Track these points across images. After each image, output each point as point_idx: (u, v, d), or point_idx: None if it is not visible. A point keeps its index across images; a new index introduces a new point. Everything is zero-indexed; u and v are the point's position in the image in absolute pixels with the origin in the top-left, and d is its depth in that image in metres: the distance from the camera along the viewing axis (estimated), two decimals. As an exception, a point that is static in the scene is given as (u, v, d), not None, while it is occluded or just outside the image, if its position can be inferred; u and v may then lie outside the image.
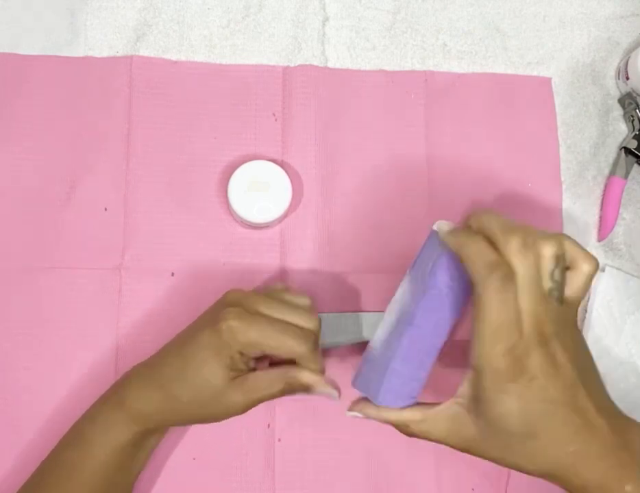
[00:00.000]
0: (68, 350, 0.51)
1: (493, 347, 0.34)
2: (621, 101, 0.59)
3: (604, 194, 0.58)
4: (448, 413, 0.37)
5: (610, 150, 0.59)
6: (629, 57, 0.58)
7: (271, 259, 0.54)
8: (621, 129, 0.59)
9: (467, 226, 0.39)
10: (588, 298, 0.55)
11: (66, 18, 0.57)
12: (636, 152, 0.57)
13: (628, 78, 0.58)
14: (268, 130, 0.56)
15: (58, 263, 0.52)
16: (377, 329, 0.43)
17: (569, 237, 0.38)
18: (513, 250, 0.35)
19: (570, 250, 0.37)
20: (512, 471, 0.52)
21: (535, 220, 0.56)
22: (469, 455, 0.38)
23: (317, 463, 0.51)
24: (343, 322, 0.53)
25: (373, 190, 0.56)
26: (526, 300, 0.34)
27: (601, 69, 0.60)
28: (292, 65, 0.57)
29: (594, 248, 0.57)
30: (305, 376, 0.42)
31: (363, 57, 0.59)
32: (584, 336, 0.54)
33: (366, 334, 0.53)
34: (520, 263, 0.34)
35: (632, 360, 0.54)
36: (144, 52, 0.57)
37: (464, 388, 0.37)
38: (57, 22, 0.57)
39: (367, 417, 0.41)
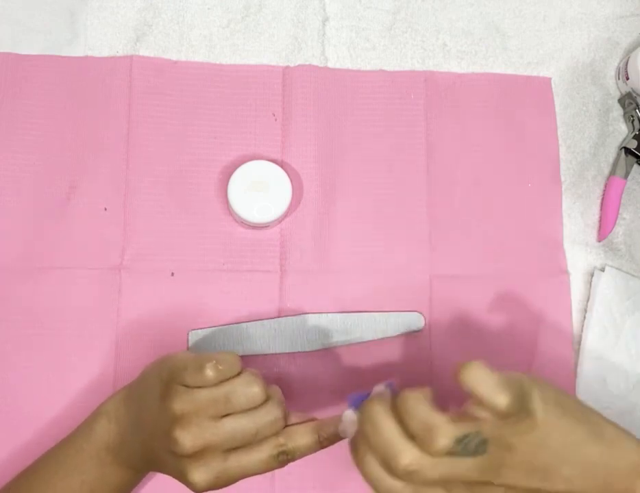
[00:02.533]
0: (68, 350, 0.51)
1: None
2: (621, 101, 0.59)
3: (604, 194, 0.58)
4: None
5: (610, 150, 0.59)
6: (629, 57, 0.58)
7: (270, 259, 0.54)
8: (621, 129, 0.59)
9: (361, 435, 0.37)
10: (588, 298, 0.55)
11: (66, 18, 0.57)
12: (636, 152, 0.57)
13: (627, 78, 0.58)
14: (268, 130, 0.56)
15: (58, 263, 0.52)
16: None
17: (475, 370, 0.36)
18: (403, 475, 0.35)
19: (475, 387, 0.36)
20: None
21: (535, 220, 0.57)
22: None
23: (317, 463, 0.51)
24: (343, 322, 0.53)
25: (372, 190, 0.56)
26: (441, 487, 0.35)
27: (601, 69, 0.60)
28: (292, 65, 0.57)
29: (594, 248, 0.57)
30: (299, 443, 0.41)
31: (363, 57, 0.59)
32: (585, 336, 0.54)
33: (366, 334, 0.53)
34: (419, 481, 0.35)
35: (632, 360, 0.54)
36: (144, 52, 0.57)
37: None
38: (57, 22, 0.57)
39: None
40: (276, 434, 0.40)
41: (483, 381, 0.36)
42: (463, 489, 0.35)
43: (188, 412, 0.38)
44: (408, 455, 0.34)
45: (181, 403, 0.38)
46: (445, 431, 0.34)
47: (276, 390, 0.42)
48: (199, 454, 0.38)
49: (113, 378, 0.51)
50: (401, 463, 0.34)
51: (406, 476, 0.35)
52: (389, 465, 0.35)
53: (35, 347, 0.51)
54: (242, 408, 0.39)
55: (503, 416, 0.35)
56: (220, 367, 0.39)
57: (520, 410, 0.35)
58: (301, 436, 0.40)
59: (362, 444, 0.37)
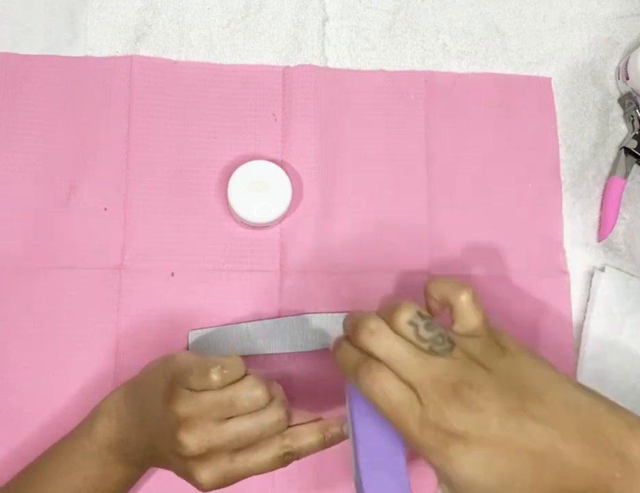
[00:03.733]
0: (68, 350, 0.51)
1: (407, 428, 0.33)
2: (621, 101, 0.59)
3: (604, 194, 0.58)
4: None
5: (610, 150, 0.59)
6: (629, 57, 0.58)
7: (270, 259, 0.54)
8: (621, 129, 0.59)
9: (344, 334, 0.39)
10: (588, 298, 0.55)
11: (66, 18, 0.57)
12: (636, 152, 0.57)
13: (627, 78, 0.58)
14: (268, 130, 0.56)
15: (58, 263, 0.52)
16: None
17: (436, 281, 0.39)
18: (364, 341, 0.35)
19: (441, 289, 0.38)
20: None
21: (535, 220, 0.57)
22: None
23: (317, 463, 0.51)
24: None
25: (372, 189, 0.56)
26: (405, 374, 0.34)
27: (601, 69, 0.60)
28: (292, 65, 0.57)
29: (594, 248, 0.57)
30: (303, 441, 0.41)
31: (363, 57, 0.59)
32: (585, 336, 0.54)
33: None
34: (376, 349, 0.35)
35: (632, 360, 0.54)
36: (144, 52, 0.57)
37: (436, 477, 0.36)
38: (57, 22, 0.57)
39: None
40: (281, 434, 0.40)
41: (459, 290, 0.38)
42: (433, 395, 0.33)
43: (193, 415, 0.39)
44: (372, 320, 0.36)
45: (186, 406, 0.39)
46: (410, 304, 0.36)
47: (278, 389, 0.42)
48: (205, 455, 0.39)
49: (113, 378, 0.51)
50: (365, 327, 0.36)
51: (367, 341, 0.35)
52: (355, 338, 0.36)
53: (35, 347, 0.51)
54: (246, 411, 0.39)
55: (474, 331, 0.36)
56: (225, 371, 0.39)
57: (490, 335, 0.36)
58: (306, 437, 0.41)
59: (340, 339, 0.39)
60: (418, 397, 0.33)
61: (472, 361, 0.34)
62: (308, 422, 0.42)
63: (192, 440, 0.38)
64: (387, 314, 0.36)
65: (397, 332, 0.35)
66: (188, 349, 0.52)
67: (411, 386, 0.33)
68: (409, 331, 0.35)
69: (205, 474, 0.39)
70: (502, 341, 0.36)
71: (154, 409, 0.41)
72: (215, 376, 0.39)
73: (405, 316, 0.35)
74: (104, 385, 0.51)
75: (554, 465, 0.32)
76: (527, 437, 0.32)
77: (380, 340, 0.35)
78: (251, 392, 0.40)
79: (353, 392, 0.39)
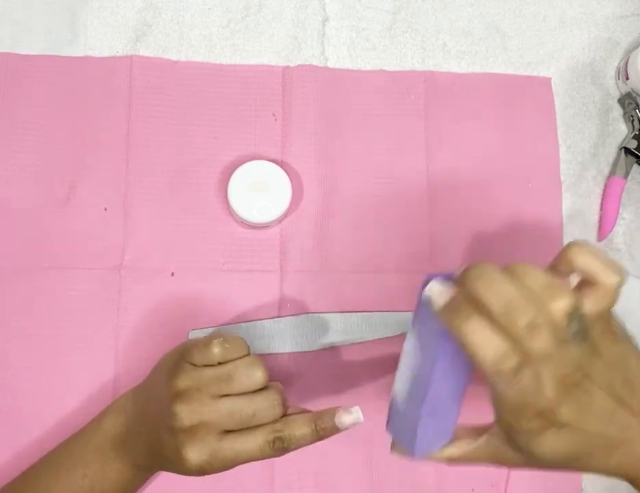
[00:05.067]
0: (68, 350, 0.51)
1: (518, 422, 0.33)
2: (621, 101, 0.59)
3: (604, 194, 0.58)
4: (489, 447, 0.36)
5: (610, 150, 0.59)
6: (629, 57, 0.58)
7: (270, 259, 0.54)
8: (621, 129, 0.59)
9: (463, 296, 0.32)
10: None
11: (66, 18, 0.57)
12: (636, 152, 0.57)
13: (627, 78, 0.58)
14: (268, 130, 0.56)
15: (58, 263, 0.52)
16: (397, 379, 0.41)
17: (579, 248, 0.34)
18: (522, 334, 0.30)
19: (584, 263, 0.34)
20: (512, 472, 0.53)
21: (535, 220, 0.57)
22: None
23: (317, 463, 0.51)
24: (343, 322, 0.53)
25: (372, 189, 0.56)
26: (544, 368, 0.31)
27: (601, 69, 0.60)
28: (292, 65, 0.57)
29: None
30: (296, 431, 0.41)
31: (363, 57, 0.59)
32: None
33: (366, 334, 0.53)
34: (532, 346, 0.30)
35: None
36: (144, 52, 0.57)
37: (496, 429, 0.36)
38: (57, 22, 0.57)
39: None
40: (273, 421, 0.40)
41: (611, 271, 0.34)
42: (556, 386, 0.31)
43: (191, 388, 0.39)
44: (530, 311, 0.30)
45: (185, 379, 0.40)
46: (567, 293, 0.31)
47: (276, 384, 0.42)
48: (195, 429, 0.39)
49: (113, 378, 0.51)
50: (524, 319, 0.30)
51: (523, 337, 0.30)
52: (506, 323, 0.30)
53: (35, 347, 0.51)
54: (243, 389, 0.40)
55: (601, 310, 0.34)
56: (226, 345, 0.40)
57: (610, 319, 0.35)
58: (298, 424, 0.40)
59: (465, 305, 0.31)
60: (542, 386, 0.31)
61: (594, 351, 0.33)
62: (301, 412, 0.42)
63: (185, 410, 0.39)
64: (540, 293, 0.31)
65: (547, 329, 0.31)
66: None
67: (542, 376, 0.31)
68: (562, 323, 0.31)
69: (194, 450, 0.39)
70: (614, 325, 0.35)
71: (158, 393, 0.42)
72: (216, 348, 0.40)
73: (563, 307, 0.31)
74: (104, 385, 0.51)
75: (626, 450, 0.33)
76: (618, 428, 0.33)
77: (539, 337, 0.30)
78: (250, 368, 0.40)
79: (447, 345, 0.34)
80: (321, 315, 0.53)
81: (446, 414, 0.38)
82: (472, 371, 0.36)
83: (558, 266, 0.35)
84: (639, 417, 0.33)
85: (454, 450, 0.37)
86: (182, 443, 0.39)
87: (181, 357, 0.41)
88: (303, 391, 0.52)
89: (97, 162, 0.54)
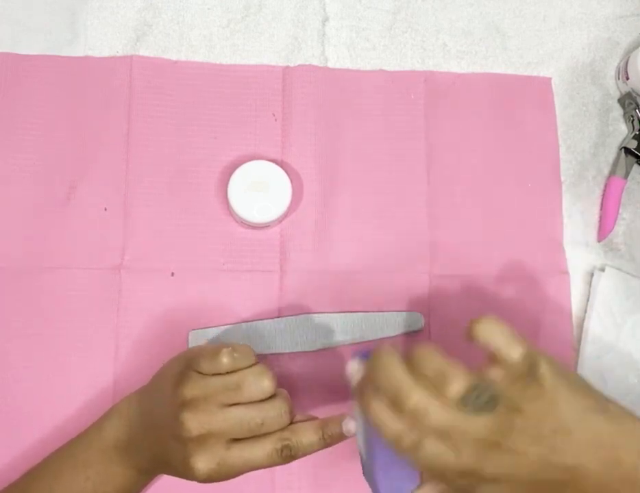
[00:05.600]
0: (68, 350, 0.51)
1: (442, 478, 0.35)
2: (621, 101, 0.59)
3: (604, 194, 0.58)
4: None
5: (610, 150, 0.59)
6: (629, 57, 0.58)
7: (270, 259, 0.54)
8: (621, 129, 0.59)
9: (370, 378, 0.37)
10: (588, 298, 0.55)
11: (66, 18, 0.57)
12: (636, 152, 0.57)
13: (627, 78, 0.58)
14: (268, 130, 0.56)
15: (58, 263, 0.52)
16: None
17: (480, 323, 0.36)
18: (411, 415, 0.34)
19: (486, 339, 0.36)
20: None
21: (535, 220, 0.57)
22: None
23: (317, 463, 0.51)
24: (343, 322, 0.53)
25: (372, 189, 0.56)
26: (449, 439, 0.34)
27: (601, 69, 0.60)
28: (292, 65, 0.57)
29: (594, 248, 0.57)
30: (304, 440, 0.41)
31: (363, 57, 0.59)
32: (585, 336, 0.54)
33: (366, 334, 0.53)
34: (426, 424, 0.34)
35: (632, 360, 0.54)
36: (144, 52, 0.57)
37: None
38: (57, 22, 0.57)
39: None
40: (281, 429, 0.40)
41: (499, 332, 0.36)
42: (471, 451, 0.34)
43: (198, 397, 0.39)
44: (417, 393, 0.34)
45: (192, 389, 0.39)
46: (460, 377, 0.34)
47: (283, 391, 0.43)
48: (203, 438, 0.39)
49: (113, 378, 0.51)
50: (410, 402, 0.34)
51: (413, 417, 0.34)
52: (397, 405, 0.34)
53: (35, 347, 0.51)
54: (251, 398, 0.40)
55: (515, 372, 0.35)
56: (235, 354, 0.40)
57: (529, 372, 0.35)
58: (305, 432, 0.41)
59: (369, 389, 0.36)
60: (458, 453, 0.34)
61: (511, 411, 0.34)
62: (307, 420, 0.42)
63: (193, 421, 0.39)
64: (434, 380, 0.35)
65: (442, 402, 0.34)
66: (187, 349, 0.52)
67: (453, 446, 0.34)
68: (459, 405, 0.34)
69: (202, 459, 0.39)
70: (539, 376, 0.35)
71: (163, 400, 0.41)
72: (225, 358, 0.40)
73: (456, 391, 0.34)
74: (104, 385, 0.51)
75: (572, 490, 0.34)
76: (553, 472, 0.34)
77: (429, 417, 0.34)
78: (258, 378, 0.40)
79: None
80: (321, 315, 0.53)
81: (403, 462, 0.38)
82: None
83: (468, 339, 0.37)
84: (569, 458, 0.34)
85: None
86: (190, 452, 0.39)
87: (187, 366, 0.41)
88: (303, 391, 0.52)
89: (97, 162, 0.54)
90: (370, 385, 0.36)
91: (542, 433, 0.34)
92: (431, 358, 0.35)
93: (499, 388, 0.35)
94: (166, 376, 0.43)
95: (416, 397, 0.34)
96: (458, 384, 0.34)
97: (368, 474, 0.41)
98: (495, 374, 0.35)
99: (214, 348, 0.41)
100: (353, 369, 0.39)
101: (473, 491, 0.35)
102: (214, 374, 0.40)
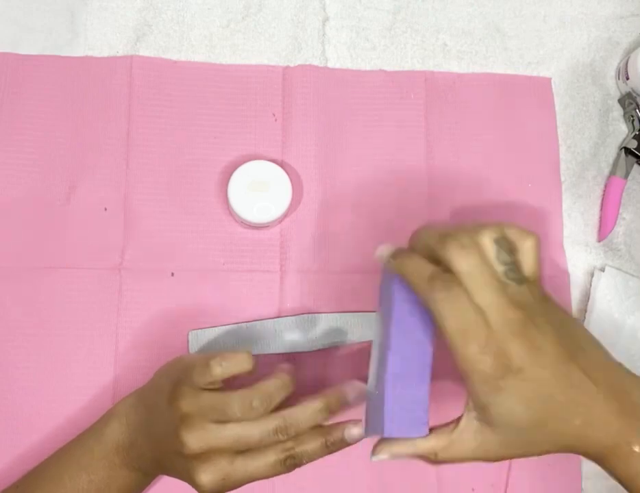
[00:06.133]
0: (68, 350, 0.51)
1: (466, 351, 0.34)
2: (621, 101, 0.59)
3: (604, 194, 0.58)
4: (470, 430, 0.36)
5: (610, 150, 0.59)
6: (629, 57, 0.58)
7: (270, 259, 0.54)
8: (621, 129, 0.59)
9: (408, 247, 0.39)
10: (588, 298, 0.55)
11: (66, 18, 0.57)
12: (636, 152, 0.57)
13: (628, 78, 0.58)
14: (268, 130, 0.56)
15: (58, 263, 0.52)
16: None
17: (505, 223, 0.37)
18: (451, 253, 0.35)
19: (509, 233, 0.37)
20: (512, 471, 0.53)
21: (535, 220, 0.57)
22: None
23: (317, 463, 0.51)
24: (343, 322, 0.53)
25: (372, 189, 0.56)
26: (480, 295, 0.34)
27: (601, 69, 0.60)
28: (292, 65, 0.57)
29: (594, 248, 0.57)
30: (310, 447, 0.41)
31: (363, 57, 0.59)
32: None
33: (366, 334, 0.53)
34: (461, 263, 0.34)
35: (632, 360, 0.54)
36: (144, 52, 0.57)
37: (469, 400, 0.36)
38: (57, 22, 0.57)
39: (394, 456, 0.38)
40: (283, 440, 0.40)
41: (526, 233, 0.37)
42: (503, 324, 0.33)
43: (193, 413, 0.39)
44: (462, 235, 0.35)
45: (187, 404, 0.39)
46: (497, 225, 0.36)
47: (281, 377, 0.42)
48: (205, 455, 0.39)
49: (113, 378, 0.51)
50: (459, 238, 0.35)
51: (452, 255, 0.34)
52: (443, 244, 0.35)
53: (35, 347, 0.51)
54: (242, 419, 0.39)
55: (531, 276, 0.36)
56: (223, 363, 0.40)
57: (539, 286, 0.36)
58: (308, 441, 0.40)
59: (405, 249, 0.39)
60: (487, 321, 0.33)
61: (535, 302, 0.35)
62: (313, 428, 0.41)
63: (192, 438, 0.38)
64: (471, 230, 0.36)
65: (475, 251, 0.35)
66: (188, 349, 0.52)
67: (481, 309, 0.34)
68: (490, 252, 0.35)
69: (206, 475, 0.39)
70: (554, 305, 0.37)
71: (160, 411, 0.41)
72: (215, 369, 0.39)
73: (492, 234, 0.35)
74: (104, 385, 0.51)
75: (585, 415, 0.34)
76: (571, 386, 0.34)
77: (468, 256, 0.34)
78: (245, 400, 0.39)
79: (397, 296, 0.39)
80: (321, 315, 0.53)
81: (412, 391, 0.38)
82: (434, 336, 0.38)
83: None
84: (595, 384, 0.34)
85: (440, 437, 0.37)
86: (194, 467, 0.39)
87: (179, 379, 0.40)
88: (303, 391, 0.52)
89: (97, 162, 0.54)
90: (407, 249, 0.39)
91: (563, 336, 0.34)
92: (468, 223, 0.37)
93: (527, 276, 0.36)
94: (161, 387, 0.42)
95: (466, 237, 0.35)
96: (493, 230, 0.36)
97: (375, 406, 0.40)
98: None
99: (204, 358, 0.40)
100: (384, 248, 0.41)
101: (495, 389, 0.34)
102: (206, 388, 0.40)
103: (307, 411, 0.40)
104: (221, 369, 0.40)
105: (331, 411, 0.41)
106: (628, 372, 0.36)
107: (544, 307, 0.36)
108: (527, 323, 0.34)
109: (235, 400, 0.39)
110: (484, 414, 0.35)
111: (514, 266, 0.35)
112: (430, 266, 0.36)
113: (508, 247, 0.36)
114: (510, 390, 0.33)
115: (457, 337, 0.34)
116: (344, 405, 0.41)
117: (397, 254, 0.39)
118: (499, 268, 0.35)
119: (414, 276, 0.36)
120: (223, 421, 0.39)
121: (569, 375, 0.34)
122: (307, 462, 0.41)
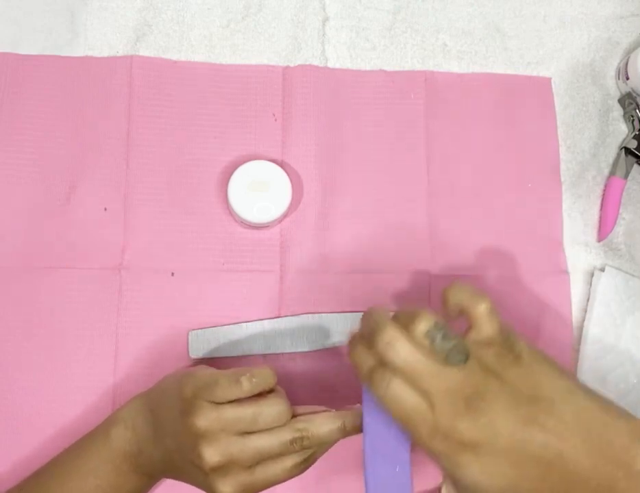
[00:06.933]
0: (68, 350, 0.51)
1: (418, 436, 0.34)
2: (621, 101, 0.59)
3: (604, 194, 0.58)
4: None
5: (610, 150, 0.59)
6: (629, 57, 0.58)
7: (270, 259, 0.54)
8: (621, 129, 0.59)
9: (358, 332, 0.39)
10: (588, 298, 0.55)
11: (66, 18, 0.57)
12: (636, 152, 0.57)
13: (628, 78, 0.58)
14: (268, 130, 0.56)
15: (58, 263, 0.52)
16: None
17: (450, 288, 0.38)
18: (380, 350, 0.35)
19: (460, 300, 0.37)
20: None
21: (535, 220, 0.57)
22: None
23: (317, 463, 0.51)
24: (343, 322, 0.53)
25: (372, 190, 0.56)
26: (418, 384, 0.34)
27: (601, 69, 0.60)
28: (292, 65, 0.57)
29: (594, 248, 0.57)
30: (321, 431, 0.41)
31: (363, 57, 0.59)
32: (585, 336, 0.54)
33: (366, 334, 0.53)
34: (392, 359, 0.34)
35: (632, 360, 0.54)
36: (144, 52, 0.57)
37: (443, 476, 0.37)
38: (57, 22, 0.57)
39: None
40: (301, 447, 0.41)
41: (464, 291, 0.37)
42: (446, 406, 0.33)
43: (214, 428, 0.39)
44: (389, 330, 0.35)
45: (206, 420, 0.39)
46: (428, 315, 0.35)
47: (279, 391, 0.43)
48: (226, 468, 0.39)
49: (113, 378, 0.51)
50: (381, 337, 0.35)
51: (384, 353, 0.35)
52: (372, 343, 0.35)
53: (35, 347, 0.51)
54: (267, 427, 0.40)
55: (490, 340, 0.36)
56: (254, 379, 0.40)
57: (505, 345, 0.36)
58: (320, 425, 0.41)
59: (357, 336, 0.38)
60: (431, 405, 0.34)
61: (486, 372, 0.34)
62: (313, 411, 0.42)
63: (213, 454, 0.39)
64: (404, 322, 0.36)
65: (413, 340, 0.35)
66: (187, 349, 0.52)
67: (424, 394, 0.34)
68: (425, 342, 0.35)
69: (226, 486, 0.39)
70: (517, 349, 0.36)
71: (171, 422, 0.41)
72: (246, 385, 0.40)
73: (422, 327, 0.35)
74: (104, 385, 0.51)
75: (560, 472, 0.33)
76: (536, 448, 0.33)
77: (396, 351, 0.35)
78: (274, 408, 0.40)
79: (365, 388, 0.39)
80: (321, 315, 0.53)
81: (392, 472, 0.38)
82: None
83: (444, 308, 0.39)
84: (552, 435, 0.33)
85: None
86: (215, 480, 0.39)
87: (194, 395, 0.40)
88: (303, 391, 0.52)
89: (97, 162, 0.54)
90: (359, 335, 0.38)
91: (520, 400, 0.34)
92: (409, 309, 0.36)
93: (470, 346, 0.35)
94: (170, 400, 0.42)
95: (388, 333, 0.35)
96: (425, 320, 0.35)
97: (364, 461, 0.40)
98: (468, 336, 0.36)
99: (231, 374, 0.41)
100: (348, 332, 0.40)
101: (455, 465, 0.33)
102: (228, 402, 0.40)
103: (324, 429, 0.41)
104: (251, 385, 0.40)
105: (346, 432, 0.41)
106: (617, 413, 0.34)
107: (508, 369, 0.35)
108: (474, 399, 0.33)
109: (266, 410, 0.40)
110: (456, 485, 0.35)
111: (454, 349, 0.35)
112: (370, 357, 0.36)
113: (443, 333, 0.35)
114: (471, 465, 0.33)
115: (406, 423, 0.34)
116: (359, 429, 0.41)
117: (349, 341, 0.39)
118: (439, 356, 0.35)
119: (358, 368, 0.37)
120: (249, 432, 0.40)
121: (531, 439, 0.33)
122: (321, 454, 0.43)
